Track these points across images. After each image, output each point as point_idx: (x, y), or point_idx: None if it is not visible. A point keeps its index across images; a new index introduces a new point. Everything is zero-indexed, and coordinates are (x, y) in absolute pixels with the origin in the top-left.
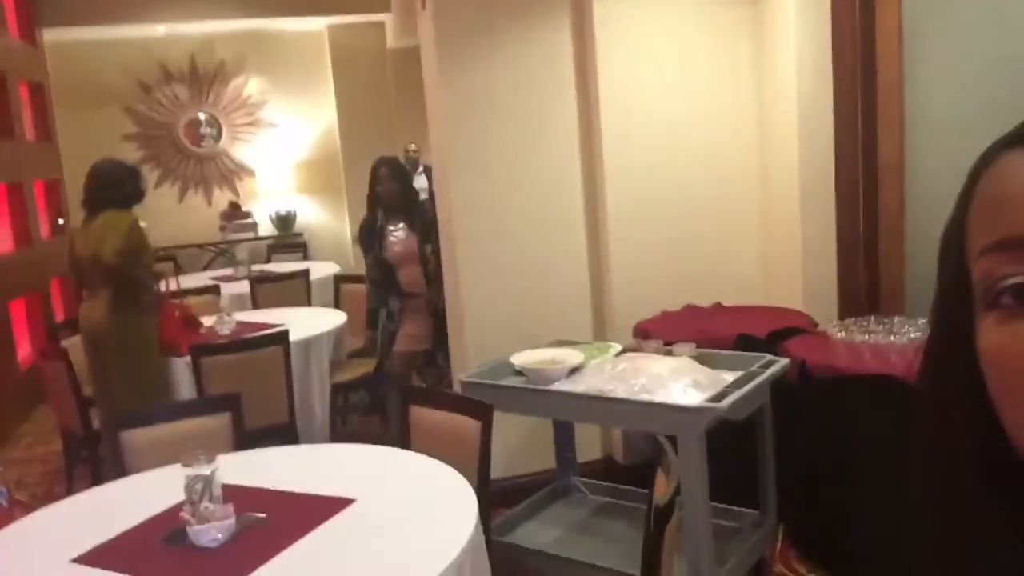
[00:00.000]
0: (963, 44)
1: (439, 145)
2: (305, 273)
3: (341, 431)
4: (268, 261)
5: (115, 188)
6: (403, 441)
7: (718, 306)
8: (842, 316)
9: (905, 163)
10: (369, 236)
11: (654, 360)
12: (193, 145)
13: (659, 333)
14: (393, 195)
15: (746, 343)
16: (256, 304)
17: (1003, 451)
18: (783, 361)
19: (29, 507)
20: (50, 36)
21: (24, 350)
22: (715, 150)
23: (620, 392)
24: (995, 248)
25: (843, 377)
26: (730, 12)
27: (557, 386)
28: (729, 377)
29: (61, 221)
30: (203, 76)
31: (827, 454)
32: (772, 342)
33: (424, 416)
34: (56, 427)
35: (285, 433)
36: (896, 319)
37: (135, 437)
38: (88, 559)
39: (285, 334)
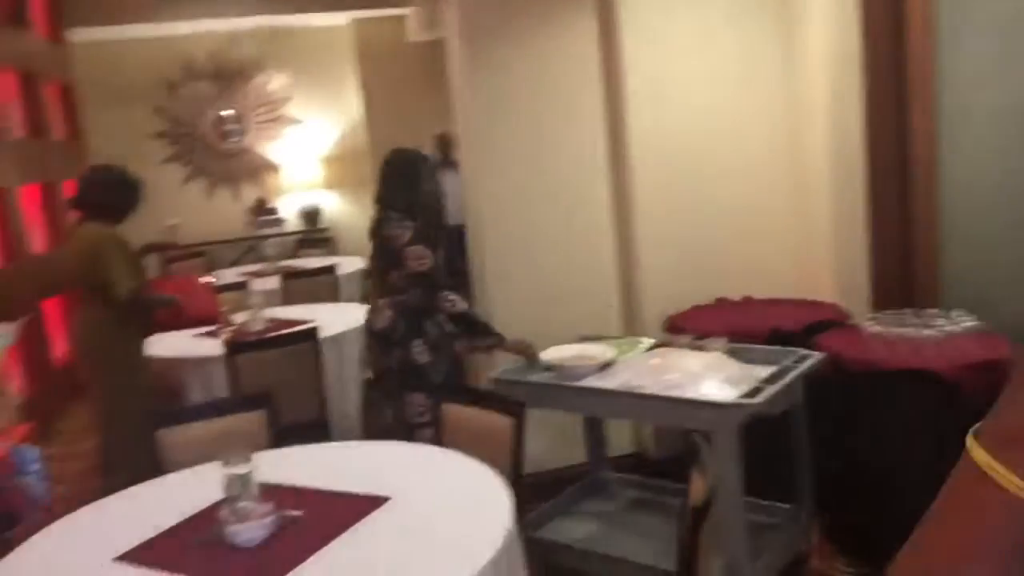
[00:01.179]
0: (995, 36)
1: (465, 139)
2: (333, 268)
3: (374, 427)
4: (295, 256)
5: (99, 193)
6: (436, 438)
7: (749, 299)
8: (876, 309)
9: (939, 154)
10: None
11: (686, 355)
12: (220, 142)
13: (690, 328)
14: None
15: (779, 337)
16: (286, 300)
17: None
18: (817, 355)
19: (70, 502)
20: (77, 36)
21: (60, 347)
22: (745, 141)
23: (653, 388)
24: None
25: (878, 371)
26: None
27: (588, 382)
28: (762, 372)
29: None
30: (227, 73)
31: (862, 449)
32: (805, 336)
33: (456, 413)
34: (93, 423)
35: (317, 429)
36: (932, 312)
37: (172, 435)
38: (130, 557)
39: (315, 331)
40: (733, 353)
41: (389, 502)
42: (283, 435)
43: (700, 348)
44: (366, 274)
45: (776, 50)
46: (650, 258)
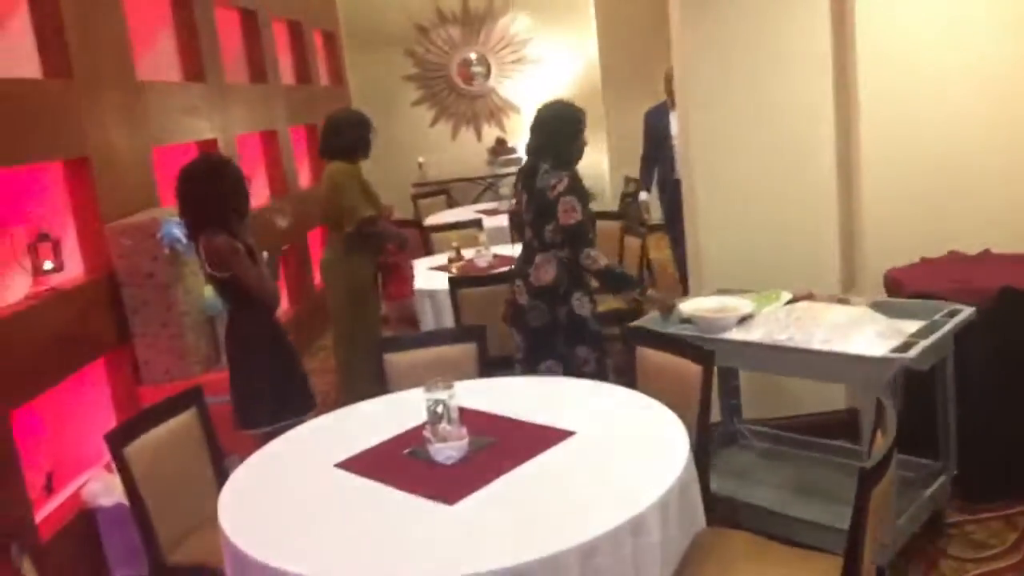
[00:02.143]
0: None
1: (681, 80)
2: None
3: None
4: None
5: (335, 137)
6: (628, 379)
7: (987, 253)
8: None
9: None
10: None
11: (830, 309)
12: (465, 84)
13: (914, 283)
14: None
15: (1010, 297)
16: (514, 238)
17: None
18: (968, 310)
19: (321, 411)
20: None
21: (318, 274)
22: (990, 72)
23: (799, 341)
24: None
25: None
26: None
27: (728, 335)
28: (910, 327)
29: None
30: (474, 17)
31: None
32: None
33: (649, 357)
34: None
35: None
36: None
37: (395, 360)
38: (347, 465)
39: None
40: (879, 307)
41: (574, 436)
42: (494, 365)
43: (844, 302)
44: (514, 227)
45: None
46: (874, 205)
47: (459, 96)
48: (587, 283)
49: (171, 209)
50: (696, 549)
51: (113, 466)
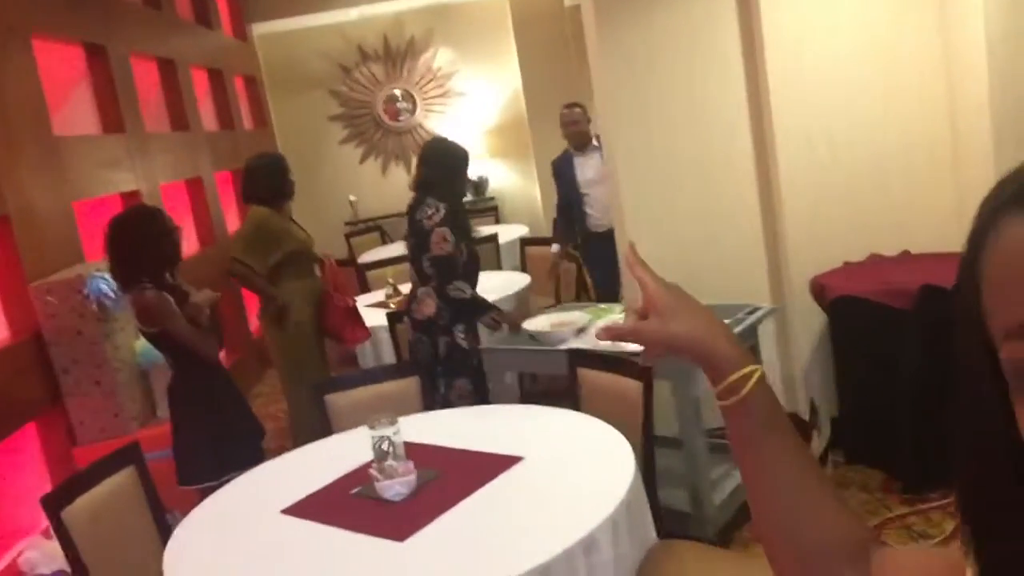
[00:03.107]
0: None
1: (601, 104)
2: (495, 237)
3: (531, 390)
4: None
5: (251, 184)
6: (573, 401)
7: (906, 255)
8: None
9: None
10: None
11: None
12: (391, 120)
13: (838, 287)
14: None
15: (930, 294)
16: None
17: None
18: (766, 308)
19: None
20: (259, 30)
21: (254, 320)
22: (896, 86)
23: (615, 348)
24: (1019, 334)
25: None
26: None
27: (566, 345)
28: None
29: None
30: (396, 53)
31: None
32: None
33: (589, 377)
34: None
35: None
36: None
37: (337, 400)
38: (294, 511)
39: None
40: None
41: (522, 461)
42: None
43: None
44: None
45: None
46: (795, 215)
47: (387, 132)
48: (466, 317)
49: (97, 264)
50: (649, 563)
51: (51, 532)
